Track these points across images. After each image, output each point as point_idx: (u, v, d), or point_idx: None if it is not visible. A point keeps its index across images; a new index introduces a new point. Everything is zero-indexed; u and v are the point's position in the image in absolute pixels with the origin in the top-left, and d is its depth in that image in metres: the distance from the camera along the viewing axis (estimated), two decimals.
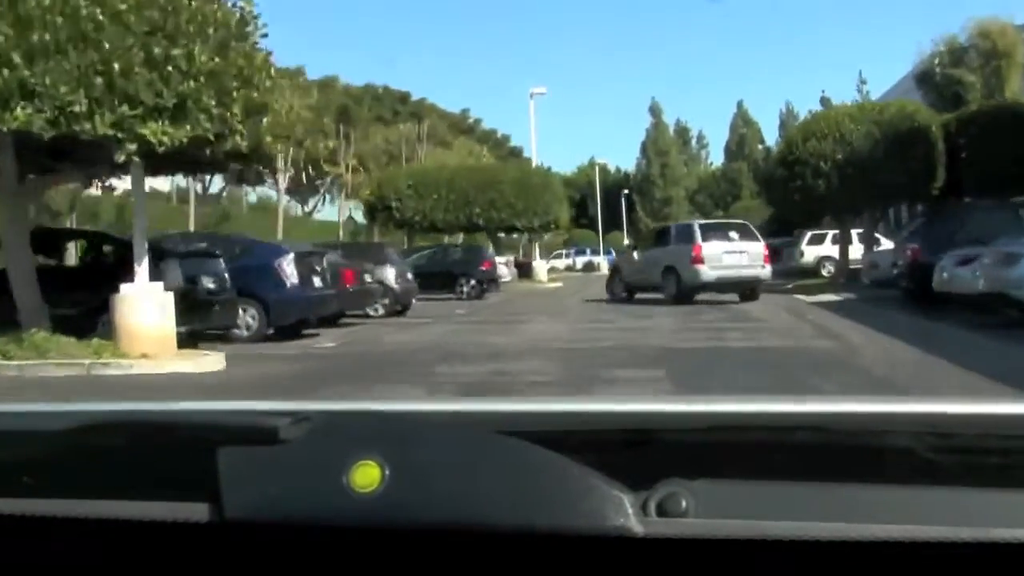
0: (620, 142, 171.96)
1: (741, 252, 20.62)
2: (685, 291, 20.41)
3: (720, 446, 0.93)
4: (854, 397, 1.19)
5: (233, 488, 0.85)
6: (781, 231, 47.22)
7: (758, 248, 20.98)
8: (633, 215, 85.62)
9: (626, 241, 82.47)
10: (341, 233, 46.23)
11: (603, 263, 62.89)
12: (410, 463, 0.83)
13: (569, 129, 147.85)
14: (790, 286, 29.59)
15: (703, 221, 24.24)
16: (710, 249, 20.37)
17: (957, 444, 0.89)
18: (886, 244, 25.34)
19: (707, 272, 20.23)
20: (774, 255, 45.38)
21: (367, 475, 0.82)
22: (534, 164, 39.17)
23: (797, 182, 25.23)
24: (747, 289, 20.83)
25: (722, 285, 20.49)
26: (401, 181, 33.74)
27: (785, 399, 1.09)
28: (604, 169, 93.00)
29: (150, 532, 0.89)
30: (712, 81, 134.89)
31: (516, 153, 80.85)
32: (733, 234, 21.33)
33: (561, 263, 64.51)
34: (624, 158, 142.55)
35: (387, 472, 0.82)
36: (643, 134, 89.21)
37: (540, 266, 37.87)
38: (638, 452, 0.91)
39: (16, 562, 0.96)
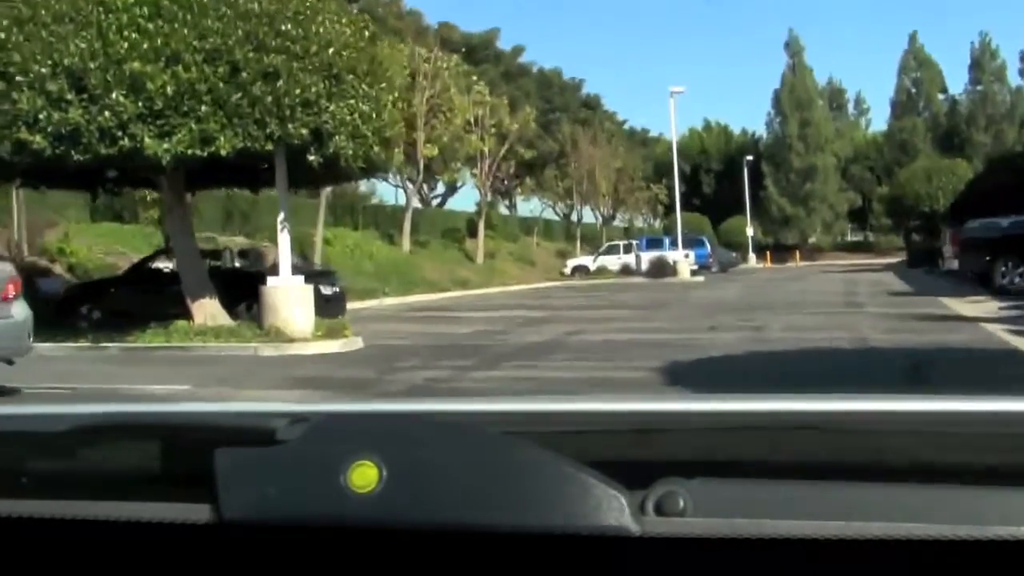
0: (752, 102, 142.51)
1: None
2: None
3: (718, 445, 0.92)
4: (854, 396, 1.10)
5: (231, 489, 0.85)
6: (985, 208, 25.17)
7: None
8: (761, 193, 62.99)
9: (749, 230, 60.22)
10: None
11: (683, 264, 39.10)
12: (408, 463, 0.83)
13: (681, 84, 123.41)
14: None
15: None
16: None
17: (957, 443, 0.89)
18: None
19: None
20: (984, 256, 20.39)
21: (365, 475, 0.82)
22: None
23: None
24: None
25: None
26: None
27: (784, 398, 1.10)
28: (725, 131, 70.58)
29: (149, 532, 0.90)
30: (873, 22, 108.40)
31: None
32: None
33: (617, 261, 41.73)
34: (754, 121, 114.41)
35: (385, 472, 0.82)
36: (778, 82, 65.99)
37: (281, 289, 13.77)
38: (635, 451, 0.91)
39: (16, 562, 0.97)
